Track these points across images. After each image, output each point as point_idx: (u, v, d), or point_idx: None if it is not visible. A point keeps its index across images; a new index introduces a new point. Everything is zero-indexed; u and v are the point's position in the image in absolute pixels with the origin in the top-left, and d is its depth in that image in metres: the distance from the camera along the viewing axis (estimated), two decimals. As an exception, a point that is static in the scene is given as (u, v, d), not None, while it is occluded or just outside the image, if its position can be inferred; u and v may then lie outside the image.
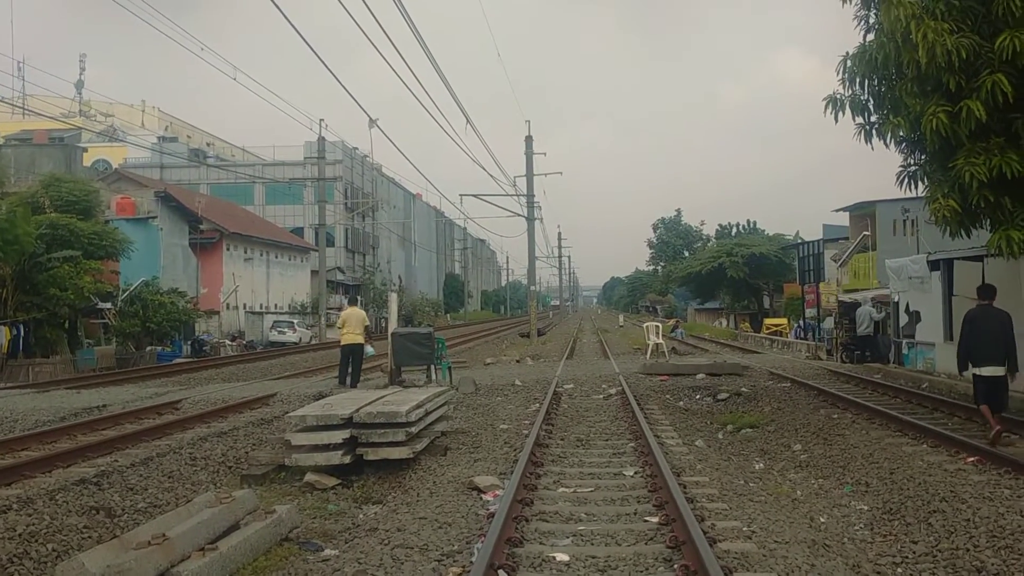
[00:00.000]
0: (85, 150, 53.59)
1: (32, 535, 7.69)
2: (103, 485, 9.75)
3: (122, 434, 13.30)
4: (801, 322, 44.49)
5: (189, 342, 40.24)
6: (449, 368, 20.18)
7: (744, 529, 7.40)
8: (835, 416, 14.36)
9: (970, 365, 11.60)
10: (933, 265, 21.26)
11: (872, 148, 13.39)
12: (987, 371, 11.44)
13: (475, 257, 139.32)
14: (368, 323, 19.19)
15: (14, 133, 59.05)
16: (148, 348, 35.29)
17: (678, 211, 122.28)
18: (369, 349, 18.78)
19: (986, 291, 12.17)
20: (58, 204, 32.89)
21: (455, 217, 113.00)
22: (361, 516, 8.31)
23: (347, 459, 9.79)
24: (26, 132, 59.12)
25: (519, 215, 45.25)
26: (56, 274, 29.40)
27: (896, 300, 24.24)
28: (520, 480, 8.81)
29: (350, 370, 18.62)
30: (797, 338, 41.64)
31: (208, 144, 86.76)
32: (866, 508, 8.33)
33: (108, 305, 33.59)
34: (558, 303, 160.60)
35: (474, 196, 44.30)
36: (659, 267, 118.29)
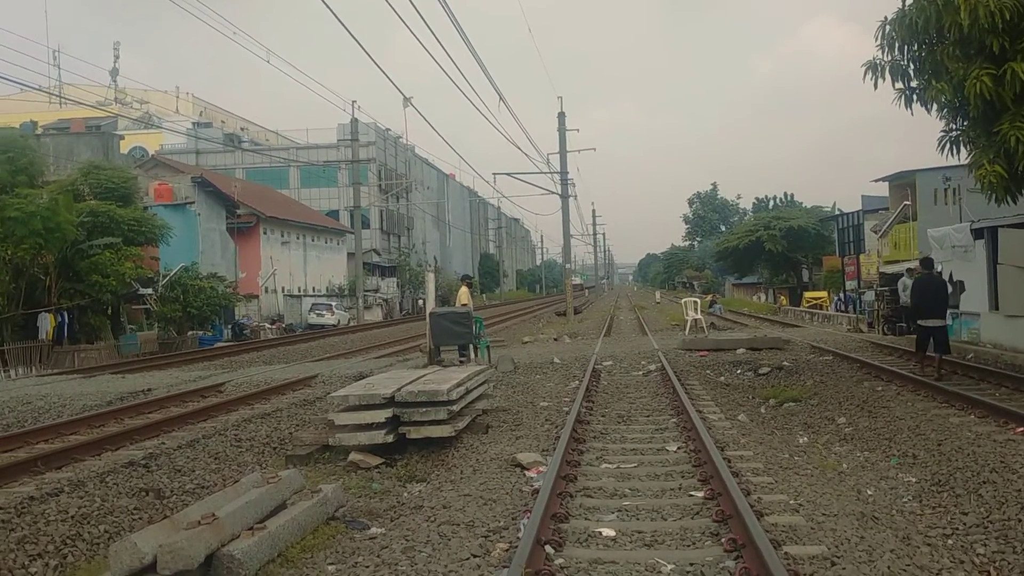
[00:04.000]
0: (122, 137, 54.11)
1: (84, 517, 7.83)
2: (151, 467, 9.89)
3: (168, 417, 13.49)
4: (841, 295, 44.04)
5: (229, 326, 40.69)
6: (487, 347, 20.20)
7: (791, 502, 7.34)
8: (879, 388, 14.19)
9: (917, 319, 15.35)
10: (977, 233, 20.91)
11: (912, 114, 13.21)
12: (929, 323, 14.99)
13: (509, 236, 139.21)
14: (466, 301, 19.34)
15: (52, 123, 59.86)
16: (189, 332, 35.73)
17: (714, 185, 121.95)
18: None
19: (927, 262, 16.14)
20: (97, 192, 33.29)
21: (489, 196, 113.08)
22: (406, 494, 8.35)
23: (390, 438, 9.84)
24: (63, 121, 59.94)
25: (553, 193, 45.15)
26: (97, 261, 29.81)
27: (939, 270, 23.86)
28: (563, 456, 8.80)
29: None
30: (837, 311, 41.22)
31: (242, 129, 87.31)
32: (914, 480, 8.23)
33: (149, 291, 34.02)
34: (579, 282, 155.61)
35: (508, 174, 44.45)
36: (696, 242, 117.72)
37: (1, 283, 27.29)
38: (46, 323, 28.09)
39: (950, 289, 22.68)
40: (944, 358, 15.14)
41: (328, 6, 16.06)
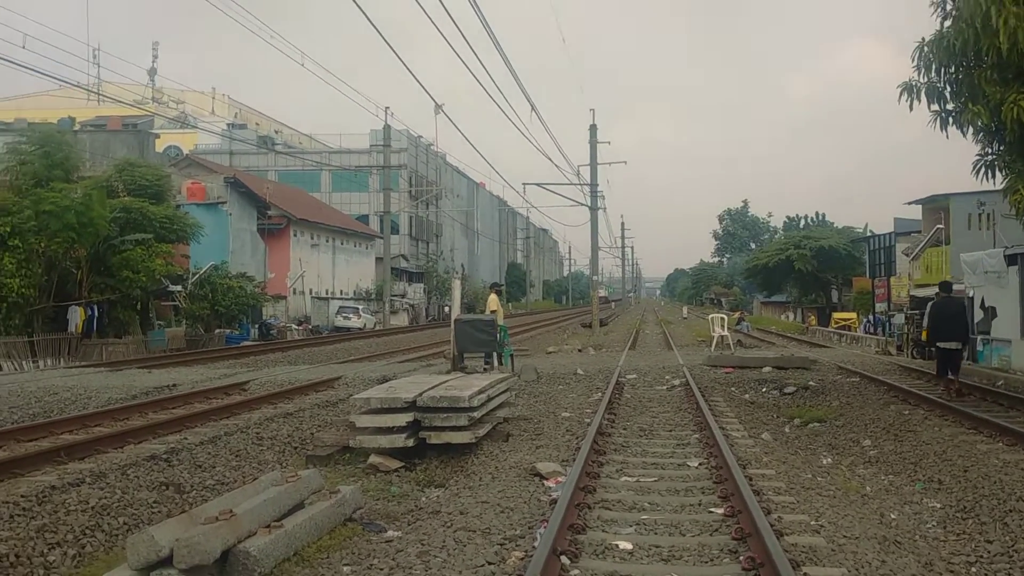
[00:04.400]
0: (157, 136, 54.73)
1: (104, 508, 7.88)
2: (173, 462, 9.94)
3: (191, 413, 13.56)
4: (871, 316, 43.64)
5: (256, 325, 40.91)
6: (511, 356, 20.15)
7: (812, 523, 7.24)
8: (906, 412, 14.00)
9: (936, 342, 15.68)
10: (1011, 259, 20.65)
11: (948, 136, 13.05)
12: (947, 345, 15.40)
13: (537, 246, 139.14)
14: (495, 308, 19.45)
15: (89, 119, 60.61)
16: (217, 331, 35.95)
17: (745, 202, 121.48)
18: None
19: (945, 286, 16.32)
20: (131, 188, 33.62)
21: (518, 206, 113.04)
22: (424, 499, 8.34)
23: (410, 442, 9.84)
24: (101, 118, 60.72)
25: (582, 204, 45.02)
26: (129, 257, 30.12)
27: (971, 295, 23.56)
28: (583, 468, 8.74)
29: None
30: (866, 332, 40.84)
31: (276, 131, 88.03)
32: (939, 506, 8.11)
33: (178, 288, 34.29)
34: (605, 294, 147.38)
35: (537, 185, 44.23)
36: (725, 259, 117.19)
37: (34, 275, 27.62)
38: (76, 316, 28.40)
39: (980, 315, 22.48)
40: (961, 380, 15.59)
41: (361, 9, 16.15)
